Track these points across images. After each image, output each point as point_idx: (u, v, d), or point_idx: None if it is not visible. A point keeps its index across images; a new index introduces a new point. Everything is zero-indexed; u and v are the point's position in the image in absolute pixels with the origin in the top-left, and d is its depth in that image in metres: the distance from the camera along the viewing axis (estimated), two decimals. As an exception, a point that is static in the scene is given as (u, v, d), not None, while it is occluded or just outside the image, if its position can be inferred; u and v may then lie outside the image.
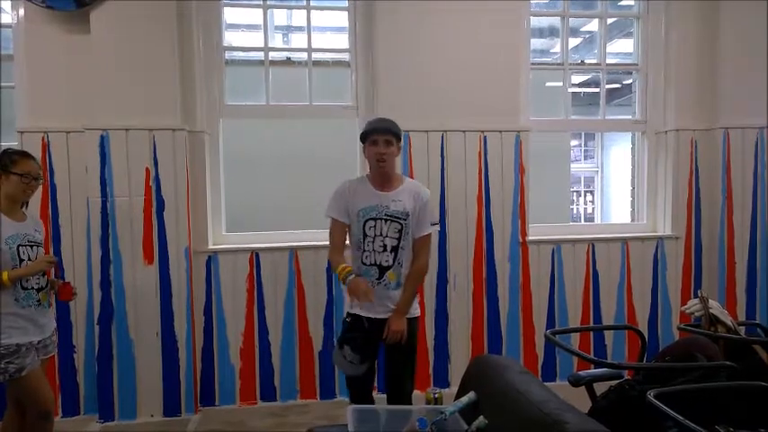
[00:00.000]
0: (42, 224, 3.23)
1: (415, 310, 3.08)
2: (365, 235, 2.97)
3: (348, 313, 3.06)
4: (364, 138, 3.02)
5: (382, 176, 3.03)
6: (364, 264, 2.99)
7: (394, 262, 2.97)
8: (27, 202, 3.05)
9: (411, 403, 3.03)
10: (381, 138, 2.95)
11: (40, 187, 3.62)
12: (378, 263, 2.97)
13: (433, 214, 3.07)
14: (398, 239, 2.97)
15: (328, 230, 3.09)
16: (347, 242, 3.10)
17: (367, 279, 2.95)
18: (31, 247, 2.92)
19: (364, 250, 2.98)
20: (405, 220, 2.97)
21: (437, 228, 3.07)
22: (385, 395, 3.12)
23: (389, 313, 2.97)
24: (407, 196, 3.00)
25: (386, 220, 2.96)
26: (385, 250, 2.96)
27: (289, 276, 4.15)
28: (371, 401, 3.12)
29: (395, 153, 3.01)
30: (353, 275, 2.90)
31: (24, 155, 2.95)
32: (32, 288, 2.89)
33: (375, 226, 2.96)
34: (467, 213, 4.24)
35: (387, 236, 2.95)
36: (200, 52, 4.07)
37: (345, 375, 3.09)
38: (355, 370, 2.96)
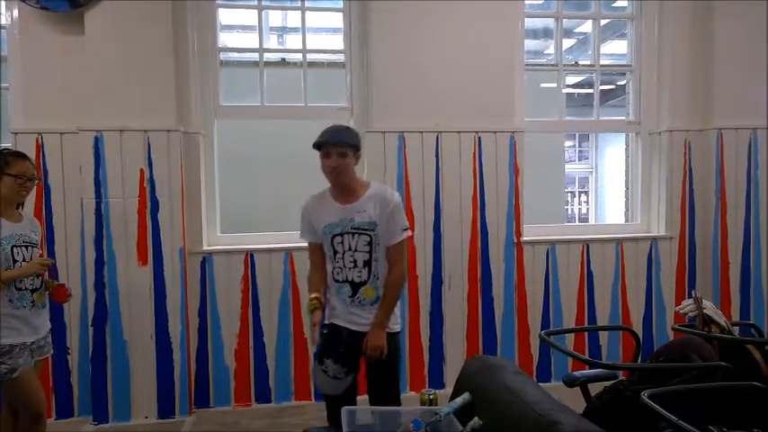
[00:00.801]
0: (39, 224, 3.22)
1: (395, 325, 2.91)
2: (335, 251, 2.83)
3: (324, 324, 2.86)
4: (318, 147, 2.81)
5: (342, 189, 2.86)
6: (336, 281, 2.85)
7: (369, 276, 2.82)
8: (22, 203, 3.04)
9: None
10: (334, 150, 2.75)
11: (35, 188, 3.63)
12: (349, 279, 2.82)
13: (403, 220, 2.86)
14: (369, 252, 2.81)
15: None
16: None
17: (341, 294, 2.85)
18: (26, 247, 2.92)
19: (335, 266, 2.84)
20: (373, 230, 2.80)
21: (409, 233, 2.89)
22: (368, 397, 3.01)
23: (369, 326, 2.81)
24: (372, 205, 2.81)
25: (353, 234, 2.80)
26: (356, 265, 2.81)
27: (283, 278, 4.15)
28: None
29: (351, 164, 2.80)
30: (317, 312, 2.79)
31: (18, 155, 2.95)
32: (26, 289, 2.89)
33: (342, 241, 2.81)
34: (461, 214, 4.24)
35: (356, 250, 2.80)
36: (195, 53, 4.06)
37: (325, 396, 2.92)
38: (339, 386, 2.81)
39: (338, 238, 2.82)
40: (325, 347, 2.82)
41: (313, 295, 2.84)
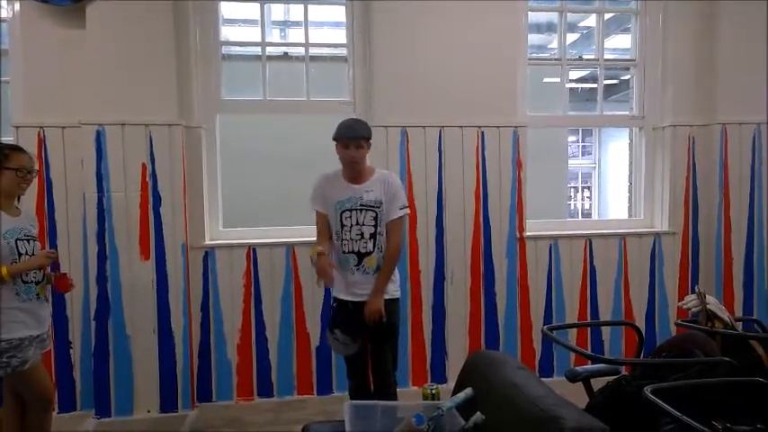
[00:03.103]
0: (36, 219, 3.23)
1: (395, 292, 3.28)
2: (342, 225, 3.19)
3: (334, 298, 3.32)
4: (336, 139, 3.19)
5: (354, 172, 3.23)
6: (344, 252, 3.20)
7: (374, 248, 3.18)
8: (19, 197, 3.04)
9: (394, 383, 3.25)
10: (352, 143, 3.13)
11: (36, 182, 3.63)
12: (356, 250, 3.17)
13: (403, 199, 3.26)
14: (375, 226, 3.18)
15: None
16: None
17: (346, 264, 3.19)
18: (28, 241, 2.93)
19: (342, 239, 3.19)
20: (378, 207, 3.18)
21: (407, 211, 3.28)
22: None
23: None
24: (378, 186, 3.21)
25: (361, 210, 3.18)
26: (362, 238, 3.17)
27: (286, 272, 4.15)
28: (368, 375, 3.30)
29: (366, 153, 3.21)
30: (322, 256, 3.11)
31: (15, 149, 2.96)
32: (32, 282, 2.90)
33: (351, 216, 3.18)
34: (464, 209, 4.23)
35: (363, 224, 3.17)
36: (197, 47, 4.05)
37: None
38: (349, 349, 3.21)
39: (347, 213, 3.19)
40: (334, 319, 3.28)
41: (319, 248, 3.14)
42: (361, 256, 3.17)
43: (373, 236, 3.18)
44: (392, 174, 3.42)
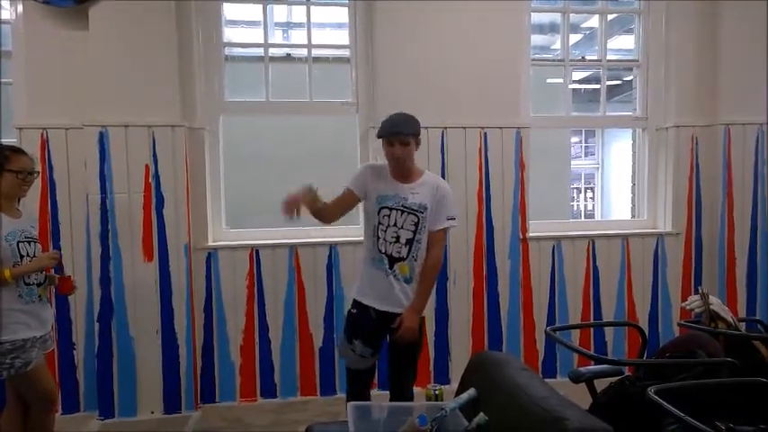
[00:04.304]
0: (36, 218, 3.23)
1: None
2: (379, 222, 2.94)
3: (355, 302, 3.04)
4: (380, 136, 2.96)
5: (401, 171, 2.99)
6: (379, 251, 2.95)
7: (408, 255, 2.93)
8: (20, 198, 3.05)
9: (412, 398, 3.05)
10: (396, 140, 2.88)
11: (39, 184, 3.64)
12: (389, 253, 2.93)
13: (452, 209, 3.02)
14: (414, 232, 2.93)
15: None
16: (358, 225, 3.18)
17: (380, 265, 2.94)
18: (29, 242, 2.92)
19: (378, 237, 2.94)
20: (422, 213, 2.93)
21: (454, 223, 3.03)
22: (383, 392, 3.16)
23: (397, 307, 2.94)
24: (426, 189, 2.96)
25: (402, 212, 2.92)
26: (398, 241, 2.92)
27: (289, 273, 4.15)
28: (369, 391, 3.14)
29: (413, 150, 2.94)
30: (313, 193, 2.82)
31: (16, 151, 2.94)
32: (34, 284, 2.90)
33: (390, 215, 2.93)
34: (467, 210, 4.23)
35: (402, 227, 2.92)
36: (200, 48, 4.06)
37: (348, 369, 3.08)
38: (365, 363, 3.00)
39: (386, 211, 2.94)
40: (354, 328, 3.00)
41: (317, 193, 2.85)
42: (393, 260, 2.93)
43: (410, 242, 2.92)
44: (442, 180, 3.20)
